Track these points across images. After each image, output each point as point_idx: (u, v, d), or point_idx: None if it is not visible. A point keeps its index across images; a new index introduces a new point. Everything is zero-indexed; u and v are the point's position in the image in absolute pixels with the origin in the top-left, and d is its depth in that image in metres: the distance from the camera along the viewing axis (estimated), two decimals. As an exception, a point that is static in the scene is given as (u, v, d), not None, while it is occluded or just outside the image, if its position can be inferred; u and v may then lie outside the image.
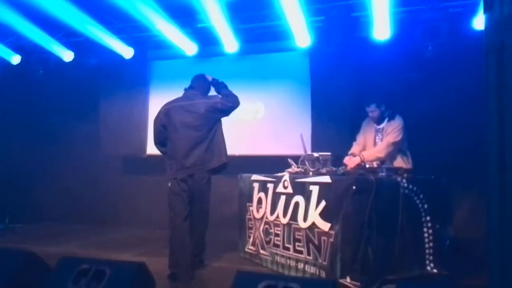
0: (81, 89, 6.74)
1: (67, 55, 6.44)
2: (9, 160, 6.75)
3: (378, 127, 4.39)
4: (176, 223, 3.80)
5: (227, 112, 4.02)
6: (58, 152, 6.93)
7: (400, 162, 4.15)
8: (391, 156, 4.20)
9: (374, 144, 4.38)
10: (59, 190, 6.77)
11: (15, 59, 6.61)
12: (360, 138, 4.55)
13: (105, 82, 6.70)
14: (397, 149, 4.22)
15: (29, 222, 6.59)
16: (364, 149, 4.45)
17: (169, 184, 3.87)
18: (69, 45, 6.44)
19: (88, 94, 6.73)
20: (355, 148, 4.51)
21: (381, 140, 4.31)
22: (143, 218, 6.41)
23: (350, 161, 4.15)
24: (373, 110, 4.35)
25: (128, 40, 6.28)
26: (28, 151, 6.84)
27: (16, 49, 6.59)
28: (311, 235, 3.49)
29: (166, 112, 3.94)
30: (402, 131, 4.20)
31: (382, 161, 4.09)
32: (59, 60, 6.48)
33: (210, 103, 3.92)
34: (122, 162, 6.91)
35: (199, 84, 4.08)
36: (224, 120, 4.13)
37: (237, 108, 4.13)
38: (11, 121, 6.90)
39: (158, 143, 4.05)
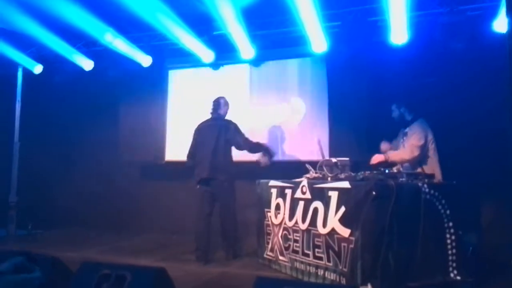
0: (101, 97, 6.84)
1: (87, 64, 6.58)
2: (32, 167, 6.90)
3: (405, 130, 4.37)
4: (197, 219, 4.78)
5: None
6: (79, 159, 7.06)
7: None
8: (419, 161, 4.11)
9: (401, 147, 4.36)
10: (80, 196, 6.87)
11: (38, 69, 6.80)
12: (394, 142, 4.53)
13: (124, 90, 6.79)
14: (423, 154, 4.12)
15: (50, 228, 6.70)
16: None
17: (197, 187, 4.82)
18: (89, 54, 6.58)
19: (108, 102, 6.83)
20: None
21: (403, 145, 4.29)
22: (161, 224, 6.46)
23: (374, 157, 4.16)
24: (392, 110, 4.43)
25: (146, 48, 6.38)
26: (50, 158, 6.97)
27: (38, 59, 6.77)
28: (331, 241, 3.45)
29: (196, 131, 5.01)
30: (422, 135, 4.13)
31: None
32: (79, 69, 6.61)
33: (224, 126, 4.82)
34: (141, 168, 6.98)
35: (217, 107, 4.97)
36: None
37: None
38: (33, 129, 7.05)
39: (190, 157, 4.98)
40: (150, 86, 6.69)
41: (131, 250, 5.35)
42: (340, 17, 5.52)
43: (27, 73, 6.92)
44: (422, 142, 4.12)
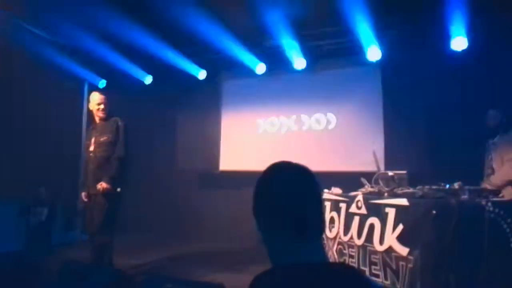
0: (160, 108, 7.17)
1: (147, 78, 6.99)
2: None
3: (492, 141, 4.04)
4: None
5: None
6: (135, 167, 7.38)
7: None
8: None
9: (491, 160, 4.03)
10: (138, 202, 7.17)
11: (102, 83, 7.30)
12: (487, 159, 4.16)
13: (181, 102, 7.08)
14: None
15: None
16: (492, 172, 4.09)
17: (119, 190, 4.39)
18: (148, 69, 6.95)
19: (165, 113, 7.17)
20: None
21: (498, 154, 3.96)
22: (216, 232, 6.60)
23: None
24: (491, 116, 4.00)
25: (201, 62, 6.62)
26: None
27: (102, 74, 7.24)
28: (388, 259, 3.40)
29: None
30: None
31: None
32: (140, 82, 7.02)
33: None
34: (197, 177, 7.20)
35: None
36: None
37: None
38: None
39: None
40: (205, 97, 6.93)
41: (186, 259, 5.46)
42: (395, 25, 5.39)
43: (93, 87, 7.39)
44: None
